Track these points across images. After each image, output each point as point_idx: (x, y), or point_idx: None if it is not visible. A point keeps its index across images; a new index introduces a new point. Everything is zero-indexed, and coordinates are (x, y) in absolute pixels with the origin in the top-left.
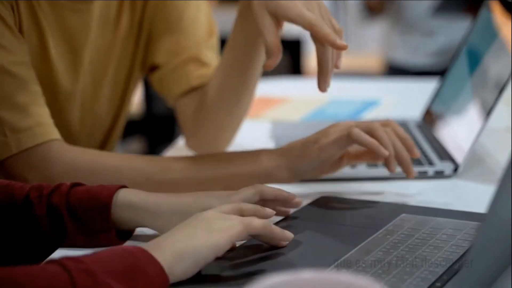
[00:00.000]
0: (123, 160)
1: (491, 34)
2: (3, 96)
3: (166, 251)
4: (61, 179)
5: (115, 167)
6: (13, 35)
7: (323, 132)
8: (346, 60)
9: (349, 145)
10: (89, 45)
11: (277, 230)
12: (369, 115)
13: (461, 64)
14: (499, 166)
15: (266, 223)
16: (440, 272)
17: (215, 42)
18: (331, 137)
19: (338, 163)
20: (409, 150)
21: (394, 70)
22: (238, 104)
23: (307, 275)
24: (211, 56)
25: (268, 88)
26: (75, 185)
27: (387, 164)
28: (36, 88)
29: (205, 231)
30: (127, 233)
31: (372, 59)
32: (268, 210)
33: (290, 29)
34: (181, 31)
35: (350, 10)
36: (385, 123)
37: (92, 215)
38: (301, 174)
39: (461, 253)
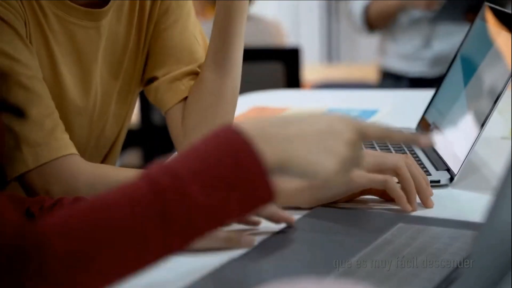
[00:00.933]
0: None
1: (486, 43)
2: (19, 110)
3: (276, 153)
4: (84, 193)
5: None
6: (28, 50)
7: None
8: (342, 71)
9: (379, 187)
10: (99, 62)
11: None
12: None
13: (456, 73)
14: (495, 175)
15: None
16: (438, 281)
17: None
18: (363, 173)
19: (358, 193)
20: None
21: (391, 79)
22: (221, 107)
23: (307, 284)
24: (200, 51)
25: (265, 99)
26: (77, 199)
27: (409, 202)
28: (50, 103)
29: (331, 159)
30: None
31: (368, 69)
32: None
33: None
34: (180, 50)
35: (344, 21)
36: (405, 157)
37: None
38: (322, 200)
39: (458, 262)
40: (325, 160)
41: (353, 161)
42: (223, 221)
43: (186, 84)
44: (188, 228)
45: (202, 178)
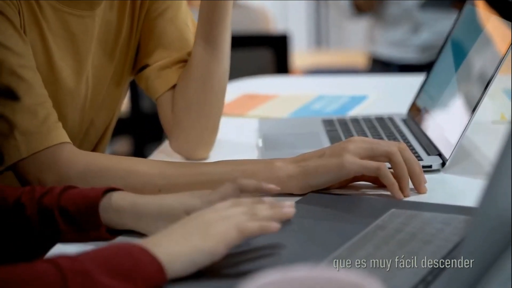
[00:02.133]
0: (137, 164)
1: (476, 28)
2: (12, 98)
3: (162, 252)
4: (77, 181)
5: (127, 172)
6: (21, 39)
7: (342, 148)
8: (332, 57)
9: (371, 174)
10: (92, 49)
11: (274, 225)
12: (356, 111)
13: (447, 58)
14: (487, 160)
15: (262, 225)
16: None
17: None
18: (356, 159)
19: (350, 180)
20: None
21: (380, 65)
22: (210, 93)
23: (299, 272)
24: (191, 37)
25: (254, 86)
26: (68, 188)
27: (401, 189)
28: (43, 92)
29: (201, 235)
30: (118, 230)
31: (357, 55)
32: (285, 207)
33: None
34: (171, 38)
35: (333, 6)
36: (398, 144)
37: (81, 214)
38: (314, 186)
39: (451, 247)
40: (192, 239)
41: (215, 221)
42: None
43: (176, 72)
44: None
45: (102, 263)
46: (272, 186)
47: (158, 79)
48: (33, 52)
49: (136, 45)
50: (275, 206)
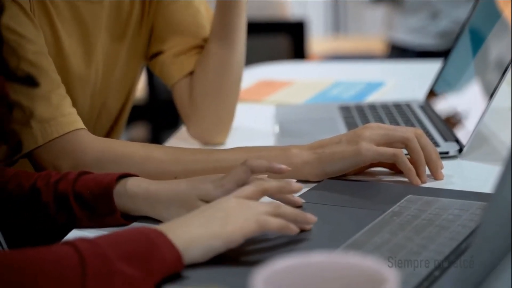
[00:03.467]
0: (153, 151)
1: (494, 15)
2: (27, 86)
3: (180, 237)
4: (93, 167)
5: (142, 158)
6: (33, 25)
7: (358, 135)
8: (350, 43)
9: (388, 160)
10: (102, 34)
11: (293, 228)
12: (373, 97)
13: (464, 45)
14: (504, 146)
15: (282, 223)
16: (447, 252)
17: None
18: (372, 146)
19: (367, 166)
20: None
21: (398, 51)
22: (227, 79)
23: (316, 258)
24: (206, 25)
25: (271, 72)
26: (83, 173)
27: (418, 175)
28: (56, 77)
29: (220, 222)
30: (133, 216)
31: (375, 41)
32: (295, 185)
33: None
34: (186, 24)
35: None
36: (414, 130)
37: (96, 199)
38: (330, 173)
39: (467, 233)
40: (212, 226)
41: (239, 209)
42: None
43: (191, 58)
44: (102, 286)
45: (120, 248)
46: (283, 166)
47: (173, 65)
48: (43, 30)
49: (149, 30)
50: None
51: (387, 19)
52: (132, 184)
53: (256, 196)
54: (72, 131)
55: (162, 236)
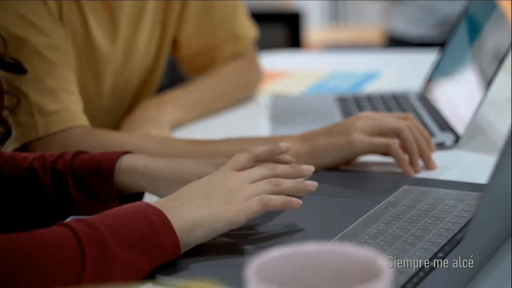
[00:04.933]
0: (146, 141)
1: (490, 4)
2: (34, 78)
3: (182, 219)
4: None
5: (136, 148)
6: (52, 18)
7: (350, 125)
8: (348, 32)
9: (381, 151)
10: (124, 14)
11: (296, 201)
12: (370, 88)
13: (461, 35)
14: (500, 137)
15: (285, 200)
16: (443, 243)
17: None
18: (365, 137)
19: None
20: (427, 144)
21: (395, 42)
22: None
23: (310, 247)
24: (245, 24)
25: (268, 62)
26: (79, 153)
27: (411, 165)
28: (67, 74)
29: (222, 203)
30: (131, 199)
31: (372, 31)
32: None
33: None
34: (212, 5)
35: None
36: (405, 117)
37: (96, 182)
38: (323, 165)
39: (463, 224)
40: (214, 206)
41: (240, 189)
42: (133, 274)
43: (221, 55)
44: (100, 272)
45: (118, 232)
46: (286, 144)
47: (194, 62)
48: (69, 16)
49: (177, 16)
50: (297, 175)
51: (385, 9)
52: (130, 159)
53: (250, 164)
54: (74, 126)
55: (162, 218)
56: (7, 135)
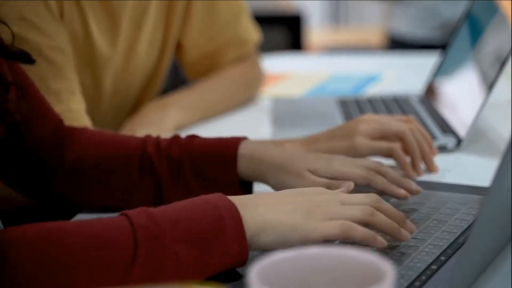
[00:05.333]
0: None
1: (492, 7)
2: (36, 79)
3: (256, 219)
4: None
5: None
6: (54, 19)
7: (353, 129)
8: (350, 34)
9: (384, 155)
10: (125, 16)
11: (380, 241)
12: (371, 90)
13: (463, 38)
14: (502, 140)
15: (368, 234)
16: (445, 246)
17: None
18: (367, 141)
19: None
20: (429, 147)
21: (397, 44)
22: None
23: (312, 250)
24: (249, 27)
25: (269, 65)
26: (192, 137)
27: (414, 168)
28: (70, 75)
29: (304, 215)
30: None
31: (373, 33)
32: (408, 224)
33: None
34: (216, 9)
35: None
36: (407, 120)
37: (217, 170)
38: None
39: (465, 227)
40: (294, 216)
41: (321, 205)
42: (187, 274)
43: (226, 58)
44: (152, 272)
45: (180, 227)
46: (402, 192)
47: (212, 65)
48: (70, 16)
49: (180, 21)
50: (398, 220)
51: (386, 11)
52: (250, 146)
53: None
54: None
55: (235, 215)
56: (15, 126)
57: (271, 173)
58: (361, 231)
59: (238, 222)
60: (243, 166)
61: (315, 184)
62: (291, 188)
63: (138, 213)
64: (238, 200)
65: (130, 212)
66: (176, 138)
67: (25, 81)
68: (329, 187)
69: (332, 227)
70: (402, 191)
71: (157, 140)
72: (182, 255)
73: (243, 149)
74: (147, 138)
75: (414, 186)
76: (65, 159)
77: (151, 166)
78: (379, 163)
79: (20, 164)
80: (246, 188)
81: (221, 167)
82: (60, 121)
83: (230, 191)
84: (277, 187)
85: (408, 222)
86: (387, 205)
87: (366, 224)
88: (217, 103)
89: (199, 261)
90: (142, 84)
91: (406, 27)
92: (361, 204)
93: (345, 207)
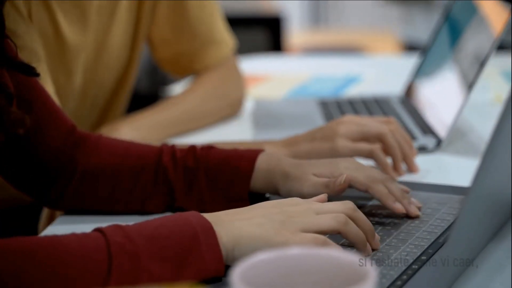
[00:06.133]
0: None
1: (471, 8)
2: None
3: (230, 234)
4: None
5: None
6: (22, 20)
7: (334, 131)
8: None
9: (364, 157)
10: (95, 7)
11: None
12: (352, 91)
13: (442, 38)
14: (482, 140)
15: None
16: (426, 246)
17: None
18: (348, 143)
19: None
20: (409, 148)
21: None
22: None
23: (294, 251)
24: (225, 30)
25: (249, 66)
26: (209, 148)
27: (395, 169)
28: (42, 75)
29: (277, 226)
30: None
31: (356, 34)
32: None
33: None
34: (185, 4)
35: None
36: (388, 121)
37: (232, 182)
38: None
39: (445, 227)
40: (268, 229)
41: (292, 217)
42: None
43: (207, 58)
44: (126, 285)
45: (155, 244)
46: (399, 207)
47: (192, 64)
48: (38, 16)
49: (150, 15)
50: (370, 231)
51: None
52: (266, 160)
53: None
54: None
55: (209, 231)
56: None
57: (281, 183)
58: (334, 245)
59: (213, 239)
60: (257, 179)
61: (315, 185)
62: (296, 194)
63: (113, 230)
64: (212, 217)
65: (105, 228)
66: (192, 148)
67: (34, 92)
68: (327, 186)
69: (305, 242)
70: (397, 206)
71: (173, 149)
72: (157, 273)
73: (259, 162)
74: (164, 147)
75: (412, 208)
76: (78, 166)
77: (165, 175)
78: (389, 177)
79: (32, 170)
80: (258, 200)
81: (235, 180)
82: (73, 128)
83: (239, 204)
84: (285, 195)
85: (376, 238)
86: (361, 215)
87: (338, 233)
88: (187, 121)
89: (174, 278)
90: (114, 81)
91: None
92: (336, 212)
93: (319, 216)
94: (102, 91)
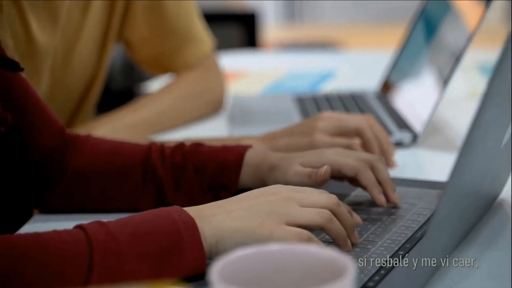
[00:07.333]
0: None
1: (445, 4)
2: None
3: (213, 228)
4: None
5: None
6: None
7: (312, 126)
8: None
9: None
10: (66, 4)
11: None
12: (327, 87)
13: (417, 34)
14: (458, 135)
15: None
16: (403, 241)
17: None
18: (326, 138)
19: None
20: (387, 143)
21: None
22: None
23: (274, 247)
24: (203, 28)
25: (224, 63)
26: (197, 145)
27: None
28: None
29: (259, 219)
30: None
31: (331, 29)
32: (357, 219)
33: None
34: (162, 4)
35: None
36: (366, 118)
37: (221, 177)
38: None
39: (422, 221)
40: (251, 221)
41: (275, 206)
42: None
43: (188, 56)
44: (107, 283)
45: (136, 242)
46: (383, 200)
47: (172, 62)
48: (7, 12)
49: (121, 11)
50: (352, 225)
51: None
52: (253, 154)
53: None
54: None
55: (191, 226)
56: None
57: (268, 176)
58: (318, 242)
59: (196, 236)
60: (246, 174)
61: (296, 175)
62: (281, 182)
63: (95, 226)
64: (195, 211)
65: (86, 225)
66: (180, 145)
67: (26, 93)
68: (310, 176)
69: (289, 237)
70: (381, 199)
71: (162, 147)
72: (139, 270)
73: (248, 157)
74: (152, 145)
75: (394, 196)
76: (68, 166)
77: (154, 173)
78: (377, 157)
79: (24, 171)
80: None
81: (223, 175)
82: (62, 128)
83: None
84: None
85: (355, 232)
86: (344, 210)
87: (321, 229)
88: (163, 119)
89: (157, 275)
90: (82, 85)
91: None
92: (320, 206)
93: (304, 210)
94: (69, 95)
